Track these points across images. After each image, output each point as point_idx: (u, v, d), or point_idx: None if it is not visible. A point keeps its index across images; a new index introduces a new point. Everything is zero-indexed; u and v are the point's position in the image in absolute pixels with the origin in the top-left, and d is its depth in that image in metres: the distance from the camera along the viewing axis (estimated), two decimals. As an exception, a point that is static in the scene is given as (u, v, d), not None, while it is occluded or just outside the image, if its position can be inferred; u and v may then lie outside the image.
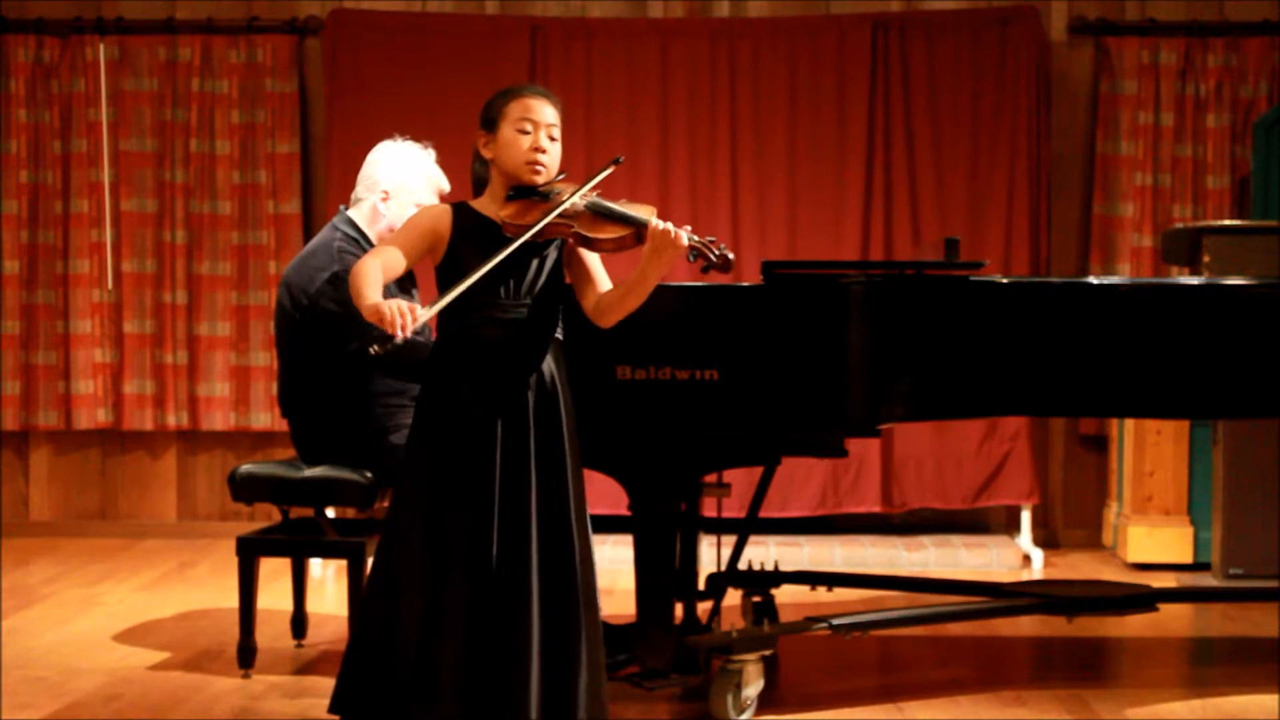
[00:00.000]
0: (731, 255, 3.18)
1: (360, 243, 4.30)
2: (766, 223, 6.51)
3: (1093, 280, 4.08)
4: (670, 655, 3.80)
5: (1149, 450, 5.99)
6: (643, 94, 6.52)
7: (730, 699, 3.86)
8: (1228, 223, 5.93)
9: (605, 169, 3.25)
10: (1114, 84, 6.55)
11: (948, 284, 3.97)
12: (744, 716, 3.90)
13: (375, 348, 3.01)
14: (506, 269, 3.14)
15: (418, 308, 3.02)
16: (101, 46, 6.66)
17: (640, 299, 3.22)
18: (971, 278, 3.99)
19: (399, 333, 2.96)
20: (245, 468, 4.36)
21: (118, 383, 6.71)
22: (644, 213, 3.17)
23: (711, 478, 4.08)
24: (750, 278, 6.16)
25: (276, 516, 4.60)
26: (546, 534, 3.18)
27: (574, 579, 3.19)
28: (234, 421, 6.68)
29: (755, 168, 6.51)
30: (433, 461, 3.19)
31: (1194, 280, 4.40)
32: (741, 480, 4.85)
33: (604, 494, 6.09)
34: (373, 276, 3.10)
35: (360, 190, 4.41)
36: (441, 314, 3.17)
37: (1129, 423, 6.04)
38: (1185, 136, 6.52)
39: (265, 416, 6.64)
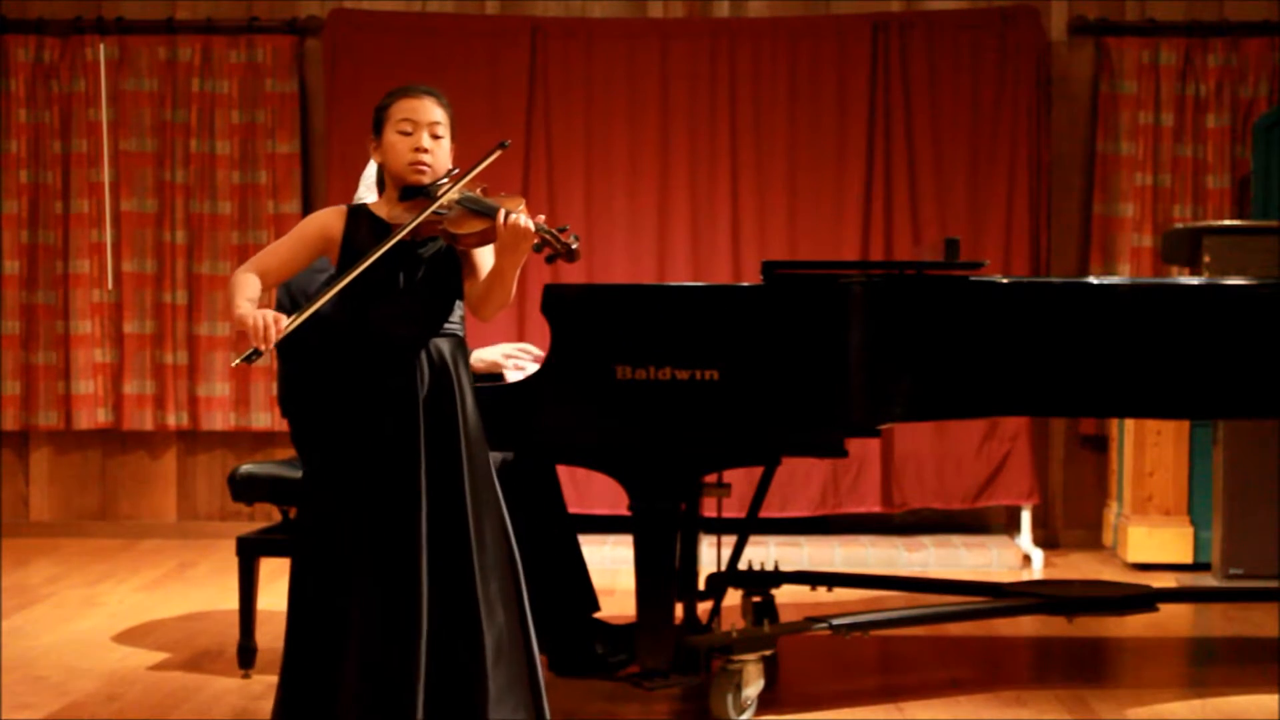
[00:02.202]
0: (577, 246, 3.15)
1: (360, 243, 4.29)
2: (766, 223, 6.50)
3: (1093, 280, 4.08)
4: (670, 655, 3.80)
5: (1149, 450, 5.99)
6: (643, 94, 6.52)
7: (730, 699, 3.86)
8: (1228, 223, 5.93)
9: (487, 156, 3.24)
10: (1114, 84, 6.55)
11: (948, 284, 3.97)
12: (744, 716, 3.90)
13: (236, 361, 3.03)
14: (398, 265, 3.15)
15: (283, 318, 3.03)
16: (101, 46, 6.67)
17: (504, 292, 3.22)
18: (971, 278, 3.99)
19: (262, 345, 2.99)
20: (245, 468, 4.36)
21: (118, 383, 6.71)
22: (511, 205, 3.17)
23: (711, 478, 4.07)
24: (750, 278, 6.18)
25: (276, 516, 4.60)
26: (439, 531, 3.15)
27: (470, 576, 3.14)
28: (234, 421, 6.68)
29: (755, 168, 6.51)
30: (328, 459, 3.20)
31: (1194, 280, 4.40)
32: (741, 480, 4.84)
33: (604, 494, 6.12)
34: (245, 287, 3.15)
35: (362, 191, 4.41)
36: (339, 309, 3.19)
37: (1129, 423, 6.04)
38: (1185, 136, 6.52)
39: (265, 416, 6.64)
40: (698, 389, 3.73)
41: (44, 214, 6.72)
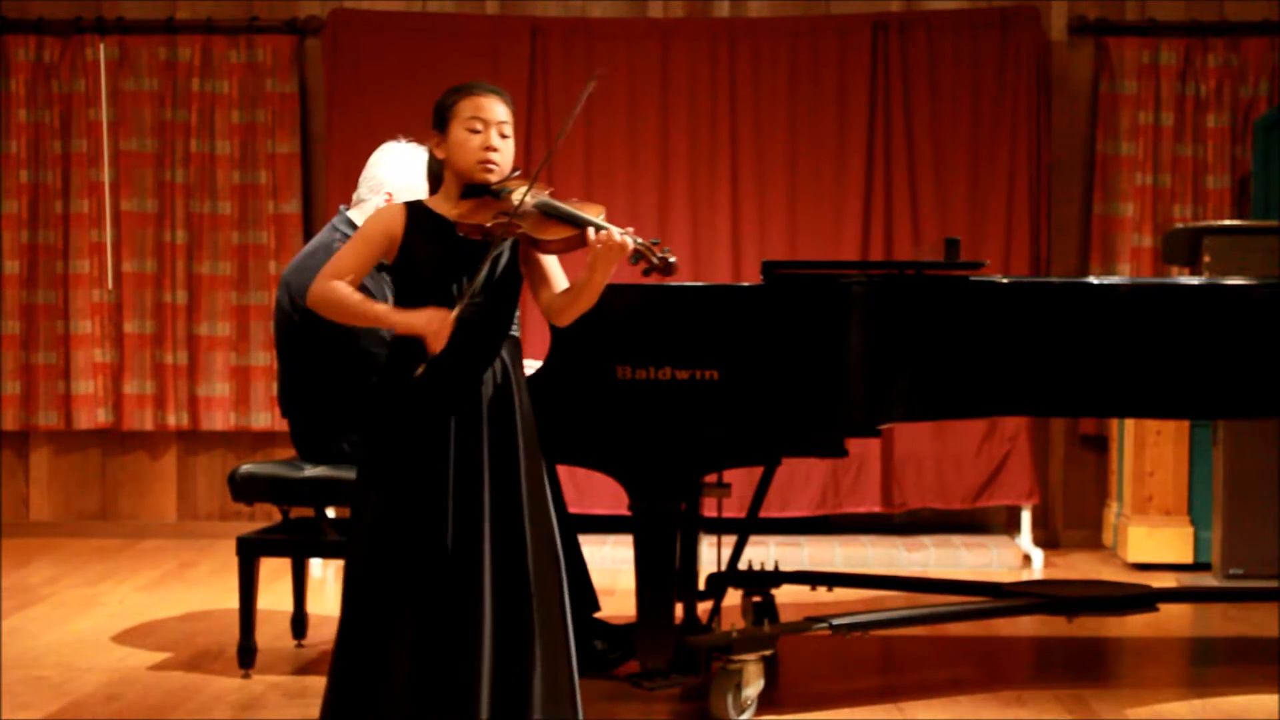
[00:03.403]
0: (674, 259, 3.13)
1: (360, 243, 4.30)
2: (766, 223, 6.51)
3: (1093, 280, 4.08)
4: (670, 655, 3.80)
5: (1149, 450, 5.99)
6: (643, 94, 6.52)
7: (730, 699, 3.86)
8: (1228, 223, 5.93)
9: (579, 103, 3.18)
10: (1114, 84, 6.55)
11: (948, 284, 3.97)
12: (744, 716, 3.90)
13: (421, 369, 3.06)
14: (458, 268, 3.13)
15: (450, 314, 3.05)
16: (101, 46, 6.67)
17: (591, 301, 3.21)
18: (971, 278, 3.99)
19: (438, 348, 3.04)
20: (245, 468, 4.36)
21: (118, 383, 6.71)
22: (592, 212, 3.14)
23: (711, 478, 4.07)
24: (750, 278, 6.18)
25: (276, 516, 4.60)
26: (499, 532, 3.15)
27: (525, 575, 3.15)
28: (234, 421, 6.68)
29: (755, 167, 6.51)
30: (387, 461, 3.18)
31: (1194, 280, 4.40)
32: (741, 480, 4.84)
33: (604, 494, 6.12)
34: (355, 294, 3.16)
35: (363, 190, 4.41)
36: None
37: (1129, 423, 6.04)
38: (1185, 136, 6.52)
39: (265, 416, 6.64)
40: (698, 389, 3.73)
41: (44, 214, 6.72)
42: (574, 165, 6.49)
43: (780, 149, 6.50)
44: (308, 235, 6.41)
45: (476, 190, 3.20)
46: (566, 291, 3.24)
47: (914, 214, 6.47)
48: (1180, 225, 5.78)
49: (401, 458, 3.17)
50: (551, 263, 3.26)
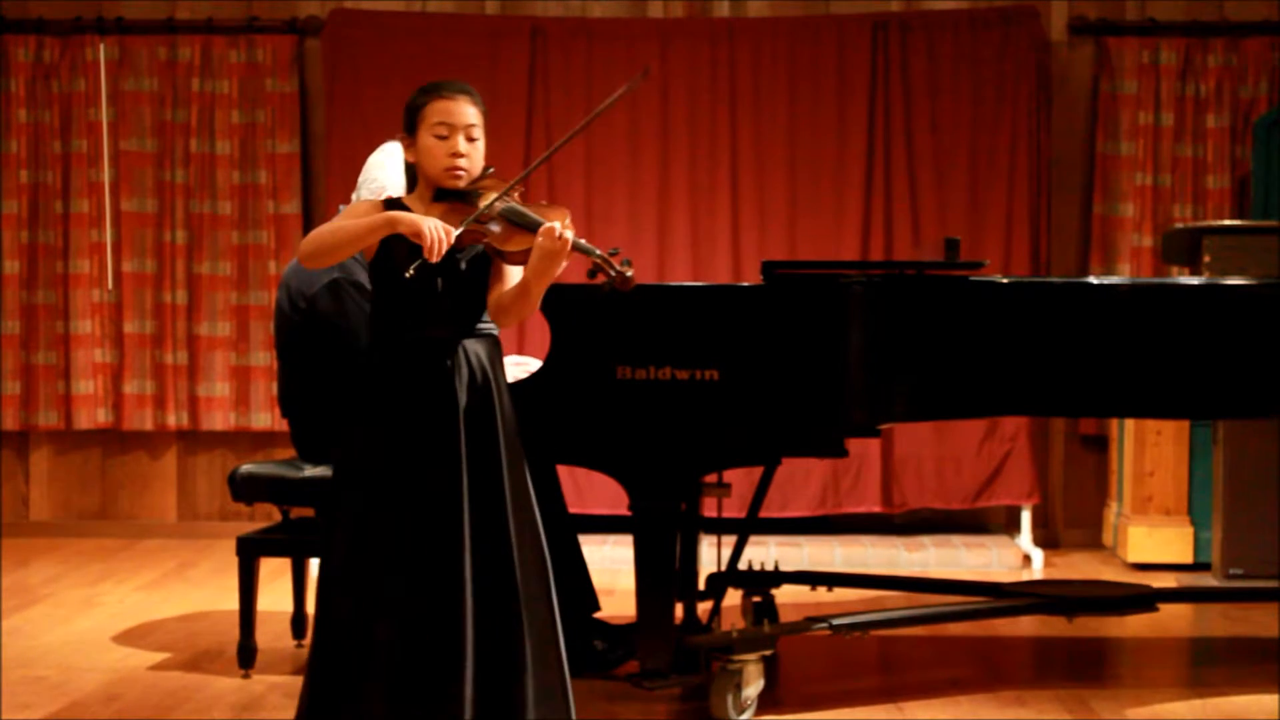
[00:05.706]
0: (631, 274, 3.05)
1: (360, 243, 4.30)
2: (766, 223, 6.51)
3: (1093, 280, 4.08)
4: (670, 655, 3.80)
5: (1149, 450, 5.99)
6: (643, 94, 6.52)
7: (730, 699, 3.86)
8: (1228, 223, 5.93)
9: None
10: (1114, 84, 6.55)
11: (948, 284, 3.97)
12: (744, 716, 3.90)
13: (411, 271, 2.98)
14: (432, 268, 3.08)
15: (453, 230, 2.99)
16: (101, 46, 6.67)
17: (530, 303, 3.16)
18: (971, 278, 3.99)
19: (435, 258, 2.96)
20: (245, 468, 4.36)
21: (118, 383, 6.71)
22: (555, 217, 3.09)
23: (711, 478, 4.07)
24: (750, 278, 6.18)
25: (276, 516, 4.60)
26: (480, 531, 3.12)
27: (512, 577, 3.13)
28: (234, 421, 6.68)
29: (755, 167, 6.51)
30: (364, 459, 3.16)
31: (1194, 280, 4.40)
32: (741, 480, 4.85)
33: (604, 494, 6.12)
34: (341, 220, 3.13)
35: (363, 191, 4.41)
36: (374, 317, 3.19)
37: (1129, 423, 6.04)
38: (1185, 136, 6.52)
39: (265, 416, 6.64)
40: (698, 389, 3.73)
41: (44, 214, 6.72)
42: (574, 165, 6.49)
43: (780, 149, 6.50)
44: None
45: (448, 194, 3.17)
46: (508, 292, 3.19)
47: (914, 214, 6.47)
48: (1180, 225, 5.77)
49: (378, 460, 3.14)
50: (512, 269, 3.23)
